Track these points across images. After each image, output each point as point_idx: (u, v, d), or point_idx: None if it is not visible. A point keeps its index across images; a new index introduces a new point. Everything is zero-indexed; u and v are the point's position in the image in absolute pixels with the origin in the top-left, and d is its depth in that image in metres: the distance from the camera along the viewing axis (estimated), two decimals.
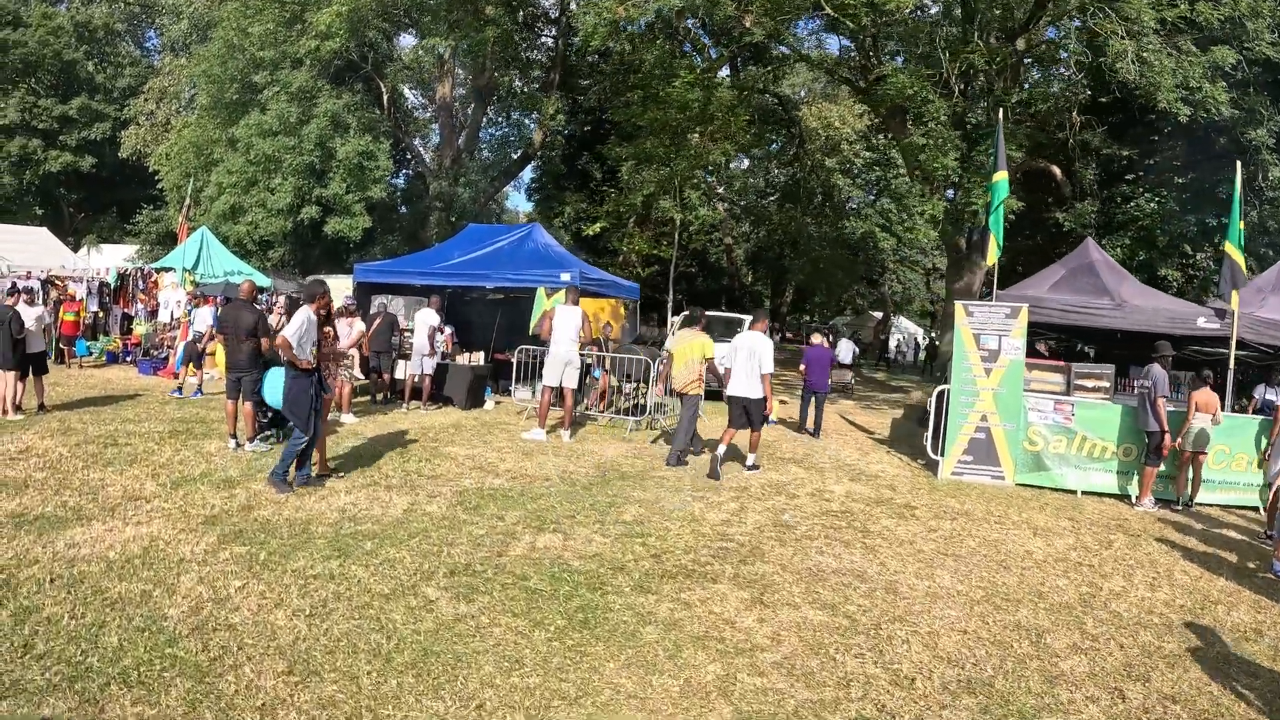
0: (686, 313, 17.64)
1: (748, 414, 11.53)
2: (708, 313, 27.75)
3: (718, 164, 32.26)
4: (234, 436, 11.07)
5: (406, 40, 35.53)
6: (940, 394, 13.27)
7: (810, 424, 16.45)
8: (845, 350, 26.54)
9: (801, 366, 16.92)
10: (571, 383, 13.39)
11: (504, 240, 17.94)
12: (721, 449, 11.62)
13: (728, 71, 32.28)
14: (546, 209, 34.08)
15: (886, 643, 6.17)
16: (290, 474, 9.07)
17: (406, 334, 15.98)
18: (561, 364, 13.25)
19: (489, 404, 16.49)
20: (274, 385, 9.57)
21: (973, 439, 12.78)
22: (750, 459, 12.05)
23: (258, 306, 11.31)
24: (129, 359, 20.35)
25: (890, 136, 31.41)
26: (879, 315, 54.58)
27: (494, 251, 17.40)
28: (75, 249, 34.25)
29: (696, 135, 29.23)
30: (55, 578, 6.15)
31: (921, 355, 48.13)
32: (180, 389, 14.95)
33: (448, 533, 7.92)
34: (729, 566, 7.65)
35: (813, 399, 16.51)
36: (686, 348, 12.14)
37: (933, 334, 46.34)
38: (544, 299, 15.30)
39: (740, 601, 6.76)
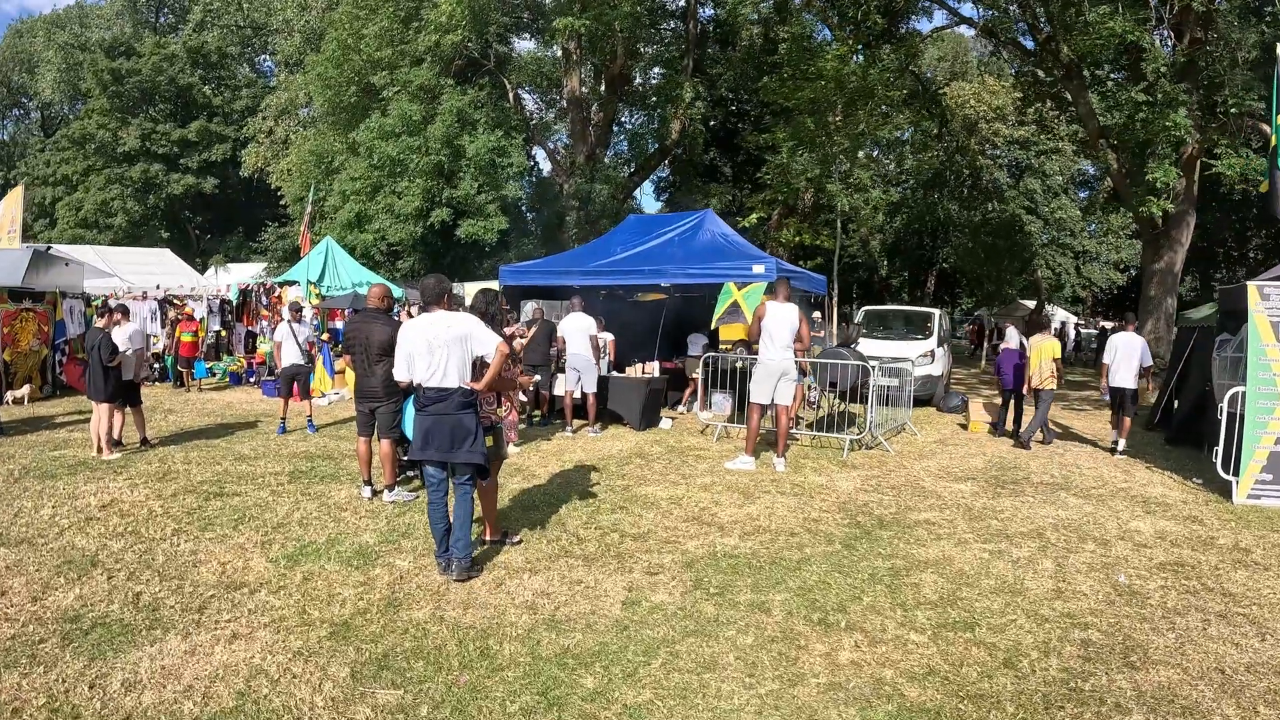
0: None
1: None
2: (883, 308, 24.99)
3: (883, 141, 29.00)
4: (368, 483, 8.56)
5: (522, 45, 33.46)
6: (1232, 398, 9.91)
7: (1010, 425, 14.01)
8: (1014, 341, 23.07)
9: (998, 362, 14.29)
10: (786, 399, 10.53)
11: (673, 230, 15.29)
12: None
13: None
14: (689, 204, 31.27)
15: None
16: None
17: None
18: (775, 376, 10.41)
19: (665, 422, 13.78)
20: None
21: (1273, 453, 9.49)
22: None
23: (394, 317, 8.66)
24: (253, 379, 18.43)
25: (1050, 108, 27.61)
26: (1030, 303, 50.26)
27: (663, 244, 14.82)
28: (203, 270, 33.18)
29: (858, 111, 26.24)
30: None
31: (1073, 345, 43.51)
32: (283, 424, 12.44)
33: (700, 643, 5.14)
34: (1117, 677, 4.86)
35: (1013, 399, 13.99)
36: (1041, 349, 12.86)
37: (1098, 323, 42.38)
38: (733, 292, 12.54)
39: None
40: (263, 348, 18.92)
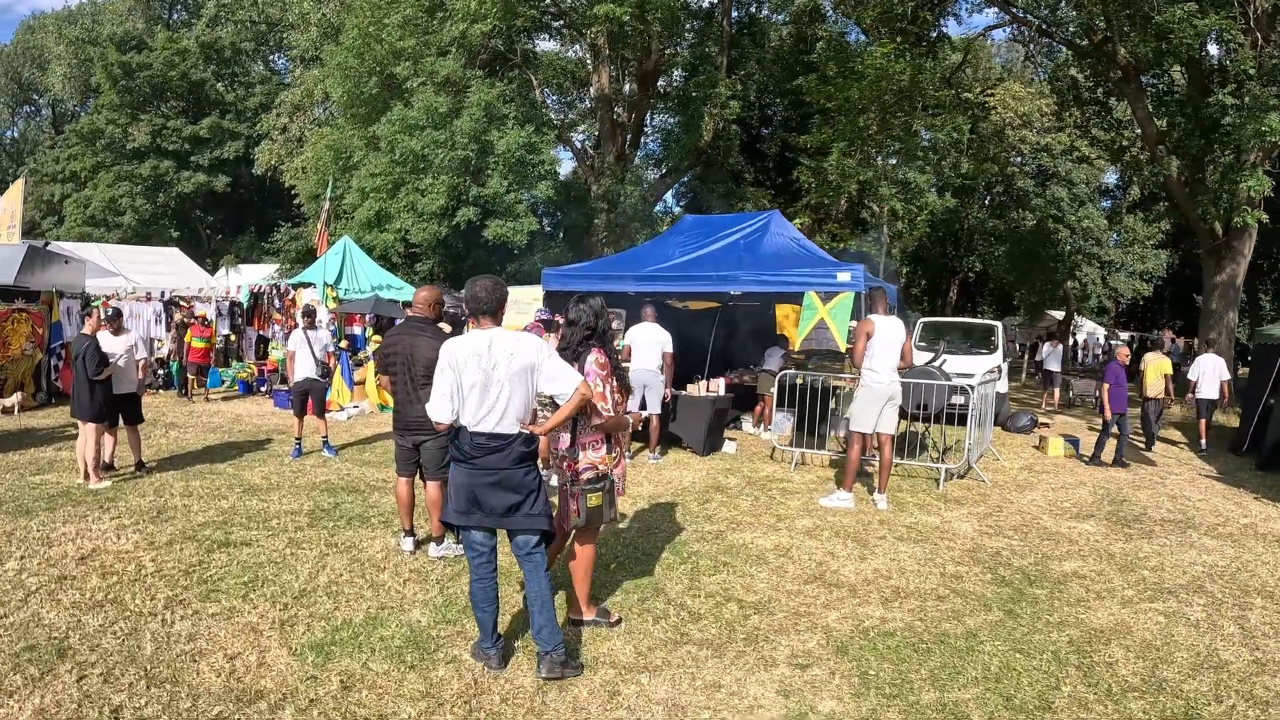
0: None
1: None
2: (942, 319, 23.47)
3: (943, 144, 27.42)
4: (409, 533, 6.95)
5: (543, 46, 31.97)
6: None
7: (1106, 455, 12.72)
8: (1057, 355, 21.61)
9: (1106, 385, 12.57)
10: (890, 426, 8.97)
11: (737, 232, 13.73)
12: None
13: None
14: (724, 208, 29.66)
15: None
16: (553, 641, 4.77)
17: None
18: (883, 401, 8.87)
19: (728, 445, 12.22)
20: None
21: None
22: None
23: (443, 328, 7.05)
24: (263, 389, 16.90)
25: (1088, 113, 26.00)
26: (1058, 314, 48.60)
27: (728, 247, 13.29)
28: (213, 270, 31.78)
29: (902, 113, 24.70)
30: None
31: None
32: (299, 447, 10.83)
33: None
34: None
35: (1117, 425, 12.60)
36: (1157, 365, 13.74)
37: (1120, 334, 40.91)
38: (818, 306, 11.02)
39: None
40: (275, 354, 17.40)
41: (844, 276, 11.28)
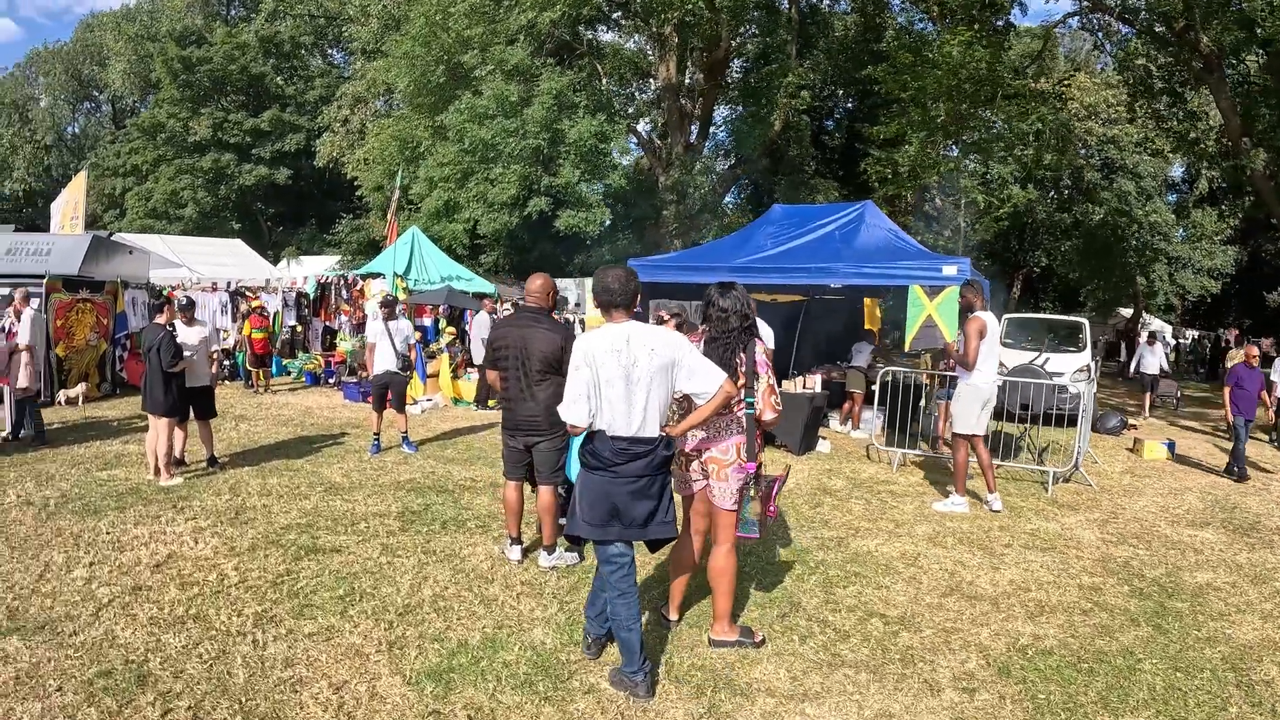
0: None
1: None
2: (1026, 316, 22.43)
3: (1025, 134, 26.31)
4: (517, 541, 6.23)
5: (604, 37, 31.22)
6: None
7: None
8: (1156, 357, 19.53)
9: (1228, 388, 11.60)
10: (981, 427, 8.25)
11: (830, 223, 12.89)
12: None
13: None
14: (791, 199, 28.70)
15: None
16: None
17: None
18: (983, 401, 8.29)
19: (823, 444, 11.45)
20: None
21: None
22: None
23: (562, 319, 6.32)
24: (332, 380, 16.34)
25: (1162, 105, 24.78)
26: (1126, 312, 47.00)
27: (822, 238, 12.48)
28: (274, 262, 31.48)
29: (979, 104, 23.74)
30: None
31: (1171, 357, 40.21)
32: (377, 442, 10.16)
33: None
34: None
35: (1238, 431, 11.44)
36: None
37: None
38: (925, 302, 10.26)
39: None
40: (342, 346, 16.86)
41: (950, 270, 10.48)
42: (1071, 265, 41.07)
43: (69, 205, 20.74)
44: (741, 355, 4.62)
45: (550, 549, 6.05)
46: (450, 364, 14.88)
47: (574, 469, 5.55)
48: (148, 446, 8.26)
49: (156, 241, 24.09)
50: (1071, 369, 15.95)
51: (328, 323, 18.91)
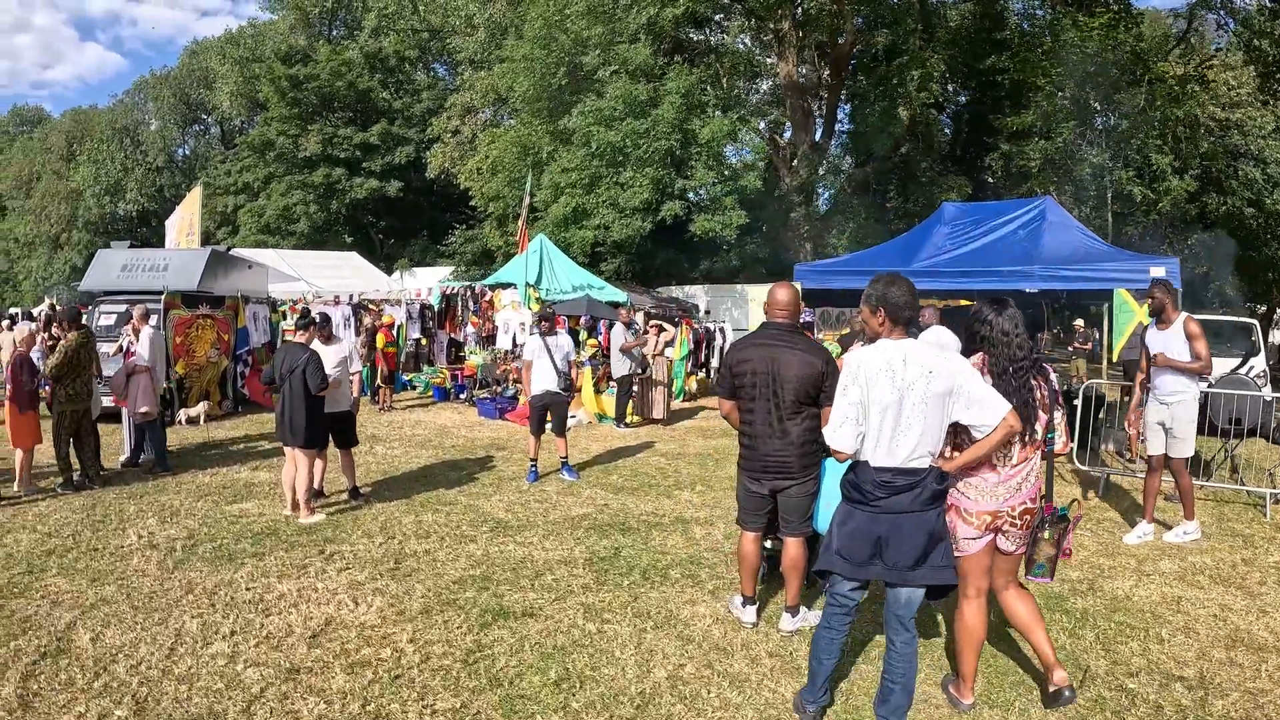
0: None
1: None
2: (1205, 317, 20.41)
3: (1177, 121, 24.34)
4: (751, 600, 5.00)
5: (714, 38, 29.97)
6: None
7: None
8: None
9: None
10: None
11: (1012, 221, 11.87)
12: None
13: None
14: (924, 196, 26.90)
15: None
16: None
17: None
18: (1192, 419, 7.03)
19: None
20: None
21: None
22: None
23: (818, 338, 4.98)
24: (462, 395, 15.23)
25: None
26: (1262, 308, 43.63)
27: (1005, 238, 11.52)
28: (388, 274, 30.99)
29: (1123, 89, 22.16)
30: None
31: None
32: (534, 469, 8.85)
33: None
34: None
35: None
36: None
37: None
38: (1134, 308, 9.55)
39: None
40: (472, 359, 15.80)
41: (1158, 271, 9.52)
42: (1199, 260, 38.24)
43: (184, 221, 20.23)
44: (1043, 390, 3.96)
45: (794, 610, 4.91)
46: (591, 378, 13.66)
47: (822, 519, 4.73)
48: (284, 480, 7.12)
49: (272, 256, 23.55)
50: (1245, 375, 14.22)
51: (453, 335, 17.91)
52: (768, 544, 5.50)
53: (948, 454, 3.85)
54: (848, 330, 10.24)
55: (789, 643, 4.63)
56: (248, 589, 5.28)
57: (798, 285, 5.09)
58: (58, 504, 7.48)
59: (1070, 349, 20.59)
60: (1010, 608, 4.14)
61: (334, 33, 49.06)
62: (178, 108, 52.91)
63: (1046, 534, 4.23)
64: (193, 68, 52.40)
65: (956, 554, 3.87)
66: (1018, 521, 3.93)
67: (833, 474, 4.86)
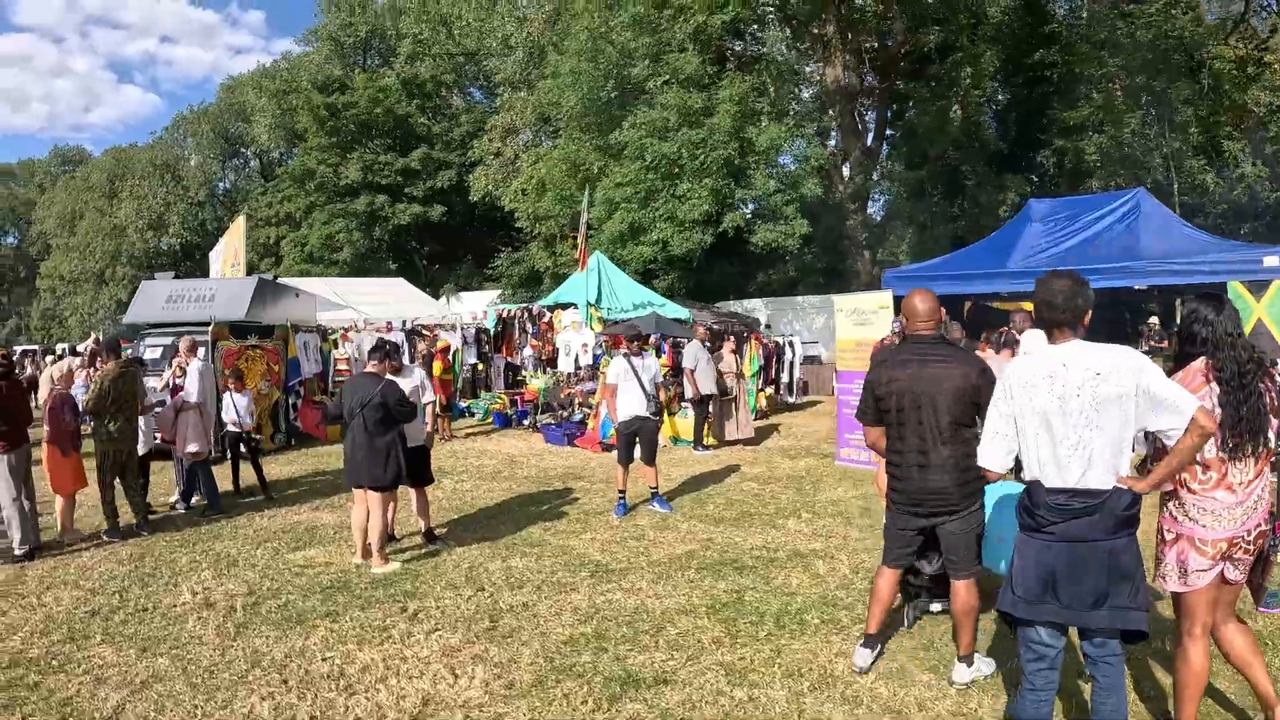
0: None
1: None
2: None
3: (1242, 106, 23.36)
4: (871, 638, 4.39)
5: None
6: None
7: None
8: None
9: None
10: None
11: (1107, 215, 11.36)
12: None
13: None
14: (981, 196, 25.90)
15: None
16: None
17: None
18: None
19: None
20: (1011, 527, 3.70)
21: None
22: None
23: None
24: (525, 422, 14.45)
25: None
26: None
27: (1103, 233, 11.05)
28: (434, 299, 30.52)
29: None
30: None
31: None
32: (623, 502, 8.03)
33: None
34: None
35: None
36: None
37: None
38: (1250, 302, 8.81)
39: None
40: (534, 383, 15.02)
41: (1272, 261, 9.09)
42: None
43: (229, 251, 19.78)
44: (1271, 393, 3.42)
45: (968, 659, 4.22)
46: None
47: (992, 553, 4.40)
48: (355, 525, 6.32)
49: (319, 284, 23.03)
50: None
51: (510, 359, 17.19)
52: (935, 607, 4.70)
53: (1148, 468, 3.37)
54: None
55: (968, 698, 3.87)
56: (324, 659, 4.48)
57: (932, 290, 4.25)
58: (103, 554, 6.75)
59: (1145, 348, 19.71)
60: (1229, 641, 3.58)
61: (369, 62, 49.12)
62: (216, 142, 53.51)
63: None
64: (230, 103, 52.90)
65: (1184, 588, 3.41)
66: (1251, 546, 3.40)
67: (1006, 498, 4.36)
